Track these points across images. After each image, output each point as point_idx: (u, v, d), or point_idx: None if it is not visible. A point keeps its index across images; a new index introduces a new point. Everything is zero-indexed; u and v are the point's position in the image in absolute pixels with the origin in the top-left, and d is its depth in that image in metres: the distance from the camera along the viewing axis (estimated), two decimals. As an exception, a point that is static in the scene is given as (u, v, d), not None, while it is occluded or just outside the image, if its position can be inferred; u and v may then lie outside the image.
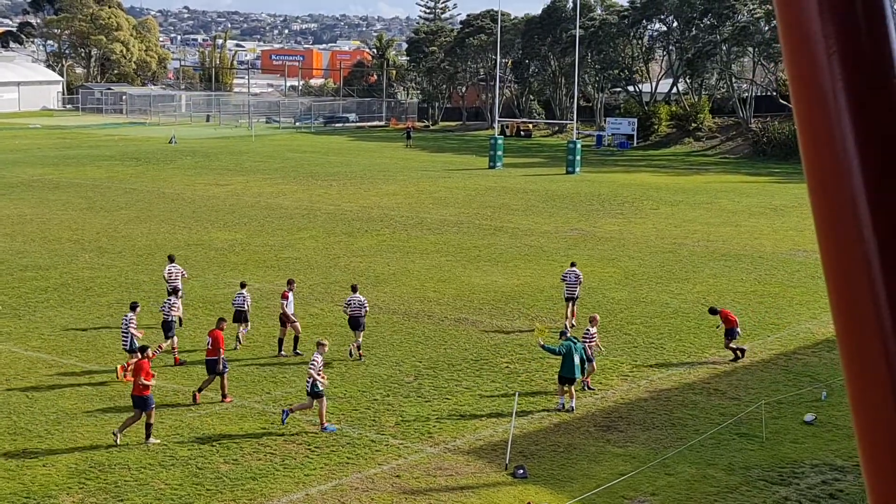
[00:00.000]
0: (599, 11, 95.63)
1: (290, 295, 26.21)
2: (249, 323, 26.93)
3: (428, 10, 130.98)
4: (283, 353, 25.75)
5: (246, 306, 26.69)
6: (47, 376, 23.72)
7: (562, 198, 55.00)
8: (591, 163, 72.24)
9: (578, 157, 67.61)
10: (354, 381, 23.84)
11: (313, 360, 20.98)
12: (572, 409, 21.91)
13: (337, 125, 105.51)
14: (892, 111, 1.29)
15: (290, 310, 25.91)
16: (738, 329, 25.98)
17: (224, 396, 22.30)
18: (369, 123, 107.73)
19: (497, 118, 78.97)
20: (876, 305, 1.29)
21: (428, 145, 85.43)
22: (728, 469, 19.21)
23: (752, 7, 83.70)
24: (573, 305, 29.06)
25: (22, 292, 31.57)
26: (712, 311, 26.83)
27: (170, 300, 25.98)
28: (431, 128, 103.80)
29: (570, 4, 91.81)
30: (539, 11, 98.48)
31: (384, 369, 24.64)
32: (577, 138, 71.93)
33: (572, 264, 30.23)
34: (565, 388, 22.13)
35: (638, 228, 45.55)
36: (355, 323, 25.65)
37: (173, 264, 29.41)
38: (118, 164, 66.37)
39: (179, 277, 28.98)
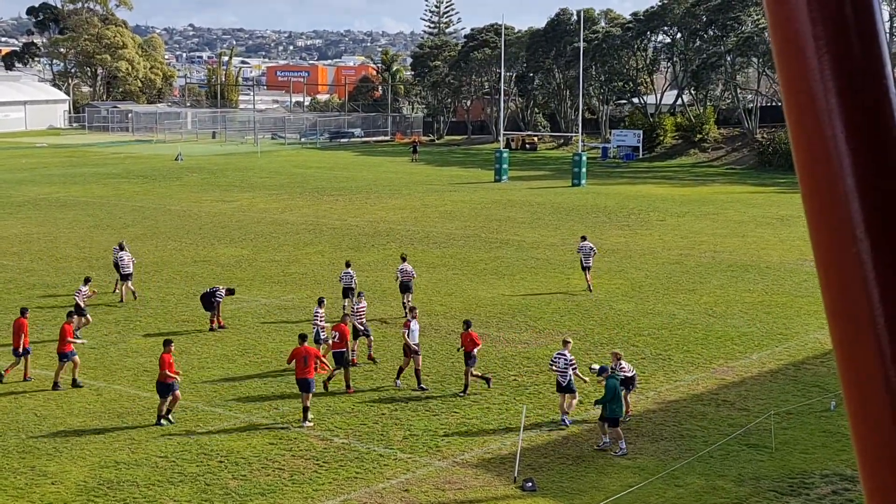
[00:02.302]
0: (603, 24, 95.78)
1: (413, 323, 24.59)
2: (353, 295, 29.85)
3: (432, 25, 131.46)
4: (398, 382, 24.27)
5: (353, 284, 30.38)
6: (56, 394, 23.73)
7: (568, 210, 55.00)
8: (597, 175, 72.23)
9: (584, 170, 67.62)
10: (362, 395, 23.81)
11: (569, 358, 21.54)
12: (624, 452, 20.26)
13: (342, 140, 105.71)
14: (884, 112, 1.30)
15: (413, 339, 24.29)
16: (475, 353, 23.72)
17: (348, 388, 23.88)
18: (374, 138, 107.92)
19: (502, 131, 79.07)
20: (869, 306, 1.29)
21: (433, 159, 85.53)
22: (737, 480, 19.14)
23: (756, 18, 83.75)
24: (588, 273, 33.97)
25: (30, 310, 31.56)
26: (466, 324, 24.51)
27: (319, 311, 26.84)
28: (437, 142, 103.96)
29: (574, 17, 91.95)
30: (543, 24, 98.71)
31: (392, 383, 24.59)
32: (583, 150, 71.99)
33: (583, 238, 35.21)
34: (615, 430, 20.37)
35: (644, 240, 45.51)
36: (405, 287, 30.88)
37: (124, 251, 32.86)
38: (125, 182, 66.54)
39: (131, 263, 32.59)
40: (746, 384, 24.93)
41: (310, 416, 21.81)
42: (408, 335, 24.29)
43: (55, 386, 23.89)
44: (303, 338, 22.80)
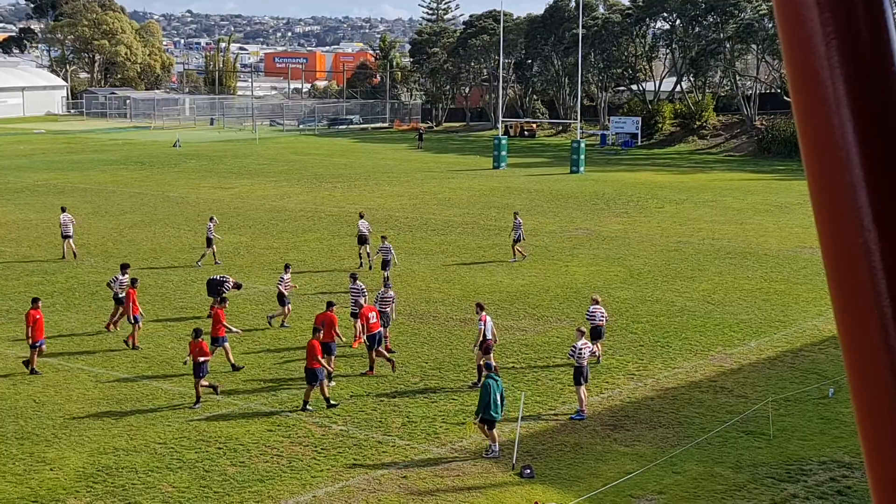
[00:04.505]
0: (602, 10, 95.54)
1: (487, 318, 23.85)
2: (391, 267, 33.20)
3: (431, 12, 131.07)
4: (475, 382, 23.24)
5: (391, 256, 33.30)
6: (54, 380, 23.74)
7: (566, 197, 54.97)
8: (596, 162, 72.17)
9: (582, 157, 67.56)
10: (360, 382, 23.82)
11: (583, 348, 21.60)
12: (496, 453, 19.47)
13: (341, 127, 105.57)
14: (892, 100, 1.28)
15: (488, 334, 23.56)
16: (208, 365, 22.20)
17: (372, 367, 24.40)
18: (373, 125, 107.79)
19: (501, 118, 78.99)
20: (877, 296, 1.28)
21: (432, 146, 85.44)
22: (735, 467, 19.18)
23: (756, 4, 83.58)
24: (513, 246, 37.45)
25: (28, 296, 31.54)
26: (196, 332, 22.55)
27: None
28: (435, 129, 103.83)
29: (573, 4, 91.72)
30: (541, 11, 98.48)
31: (390, 370, 24.61)
32: (581, 138, 71.92)
33: (515, 214, 38.79)
34: (492, 432, 19.58)
35: (643, 227, 45.50)
36: (362, 239, 36.27)
37: (65, 214, 37.65)
38: (123, 169, 66.44)
39: (70, 225, 37.05)
40: (744, 371, 24.96)
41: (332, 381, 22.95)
42: (484, 330, 23.37)
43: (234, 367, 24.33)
44: (329, 304, 24.20)
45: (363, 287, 26.94)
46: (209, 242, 36.48)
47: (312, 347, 21.77)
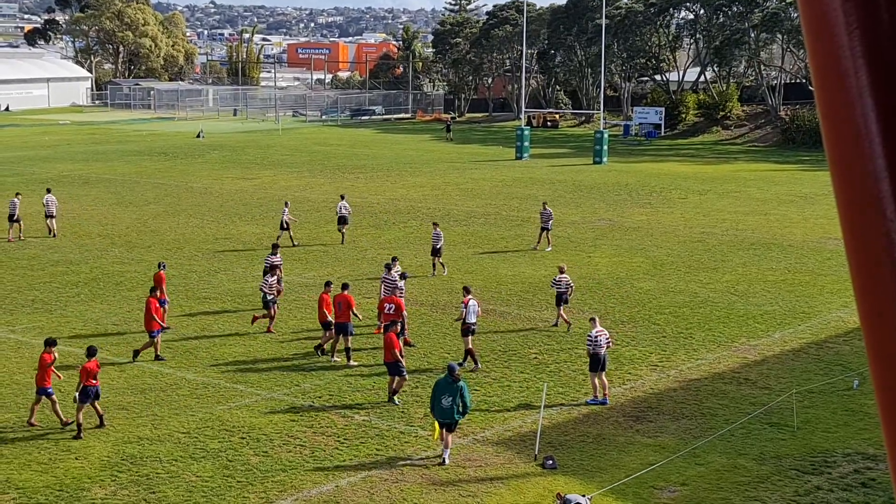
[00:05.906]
0: (626, 0, 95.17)
1: (471, 301, 23.99)
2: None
3: (454, 2, 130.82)
4: (472, 366, 23.66)
5: (440, 244, 33.48)
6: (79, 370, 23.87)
7: (589, 188, 54.84)
8: (619, 153, 71.93)
9: (605, 147, 67.38)
10: (383, 372, 23.85)
11: (598, 335, 21.67)
12: (443, 461, 18.64)
13: (363, 118, 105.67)
14: None
15: (471, 319, 23.78)
16: (96, 387, 20.16)
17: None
18: (395, 116, 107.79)
19: (523, 109, 78.82)
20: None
21: (454, 137, 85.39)
22: (759, 459, 19.10)
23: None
24: (547, 235, 37.86)
25: (53, 287, 31.82)
26: (89, 351, 20.62)
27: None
28: (458, 119, 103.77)
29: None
30: (564, 1, 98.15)
31: (412, 361, 24.63)
32: (604, 128, 71.69)
33: (544, 204, 39.10)
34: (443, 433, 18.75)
35: (666, 218, 45.34)
36: (343, 220, 38.67)
37: (50, 195, 40.25)
38: (146, 160, 66.77)
39: (54, 206, 39.68)
40: (768, 363, 24.85)
41: (353, 360, 24.01)
42: (466, 314, 23.67)
43: (320, 350, 24.70)
44: (345, 286, 24.96)
45: (397, 276, 27.00)
46: (285, 226, 38.04)
47: (390, 340, 21.73)
